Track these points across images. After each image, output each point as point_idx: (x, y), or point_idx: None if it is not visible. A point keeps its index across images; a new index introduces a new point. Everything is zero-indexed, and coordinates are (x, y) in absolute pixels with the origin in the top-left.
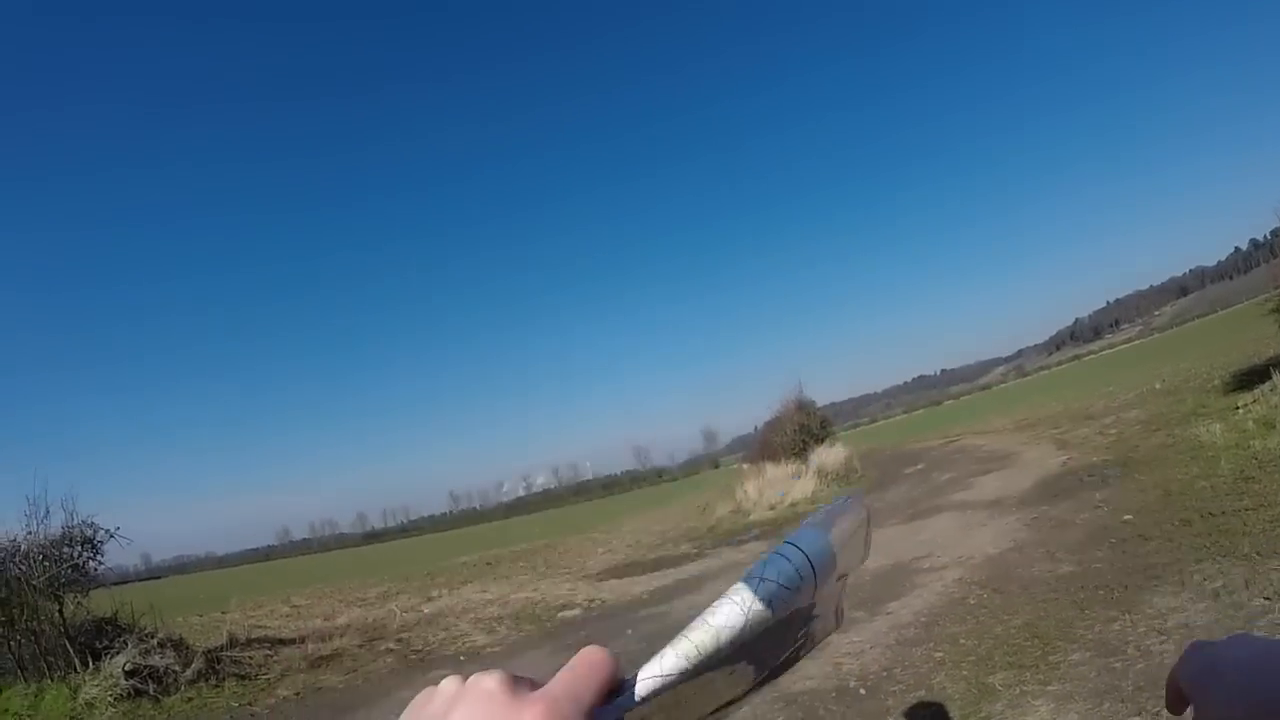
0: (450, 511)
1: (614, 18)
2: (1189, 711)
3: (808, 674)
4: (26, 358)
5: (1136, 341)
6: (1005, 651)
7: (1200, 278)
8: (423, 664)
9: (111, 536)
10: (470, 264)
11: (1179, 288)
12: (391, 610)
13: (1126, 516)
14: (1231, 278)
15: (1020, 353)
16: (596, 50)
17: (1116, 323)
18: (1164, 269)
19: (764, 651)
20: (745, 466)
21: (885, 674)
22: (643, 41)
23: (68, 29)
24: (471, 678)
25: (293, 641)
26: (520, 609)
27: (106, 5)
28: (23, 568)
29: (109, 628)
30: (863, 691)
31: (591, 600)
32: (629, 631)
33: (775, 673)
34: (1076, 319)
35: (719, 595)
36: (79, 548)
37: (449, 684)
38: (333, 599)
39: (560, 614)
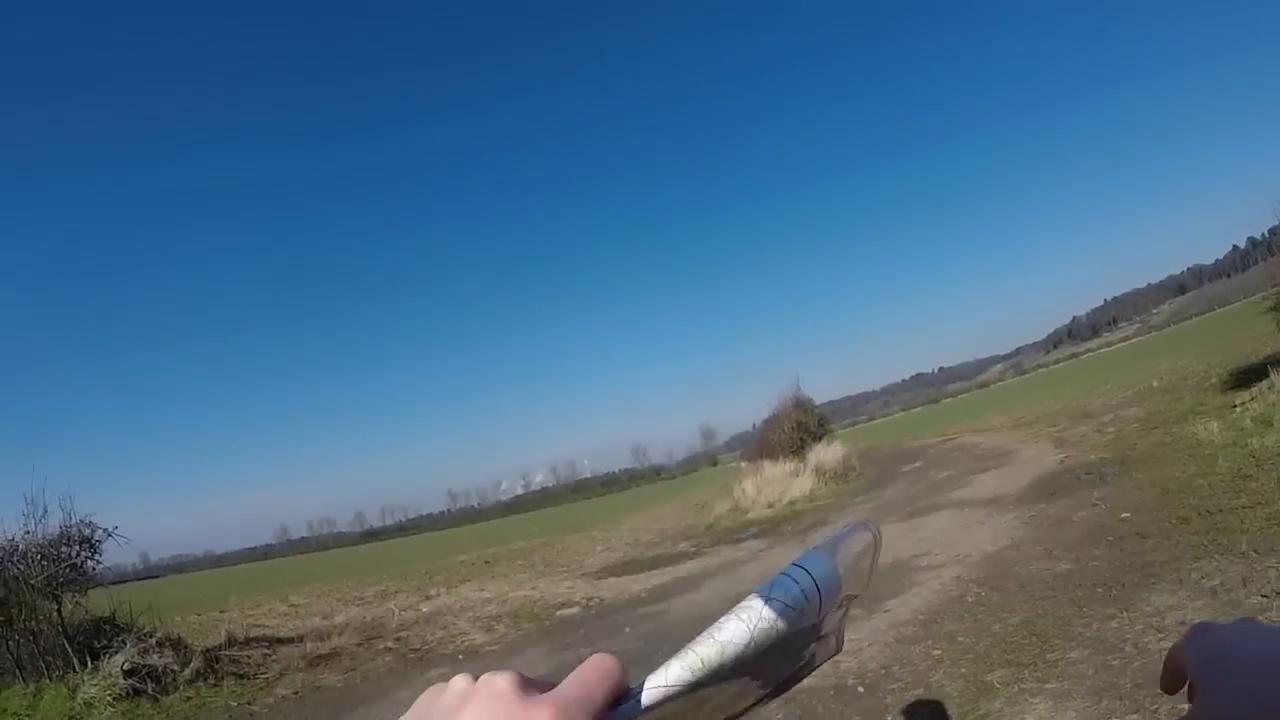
0: (448, 510)
1: (610, 8)
2: (1183, 691)
3: None
4: (23, 355)
5: (1134, 339)
6: (1003, 649)
7: (1198, 276)
8: (421, 663)
9: (109, 535)
10: (467, 259)
11: (1177, 286)
12: (390, 609)
13: (1124, 514)
14: (1229, 276)
15: (1018, 351)
16: (594, 40)
17: (1114, 321)
18: (1162, 267)
19: (766, 670)
20: (743, 464)
21: (884, 672)
22: (641, 31)
23: (62, 22)
24: (483, 676)
25: (291, 640)
26: (519, 607)
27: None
28: (21, 567)
29: (107, 627)
30: (861, 689)
31: (590, 598)
32: (627, 630)
33: (776, 691)
34: (1074, 317)
35: (719, 595)
36: (77, 547)
37: (459, 681)
38: (331, 598)
39: (559, 612)
